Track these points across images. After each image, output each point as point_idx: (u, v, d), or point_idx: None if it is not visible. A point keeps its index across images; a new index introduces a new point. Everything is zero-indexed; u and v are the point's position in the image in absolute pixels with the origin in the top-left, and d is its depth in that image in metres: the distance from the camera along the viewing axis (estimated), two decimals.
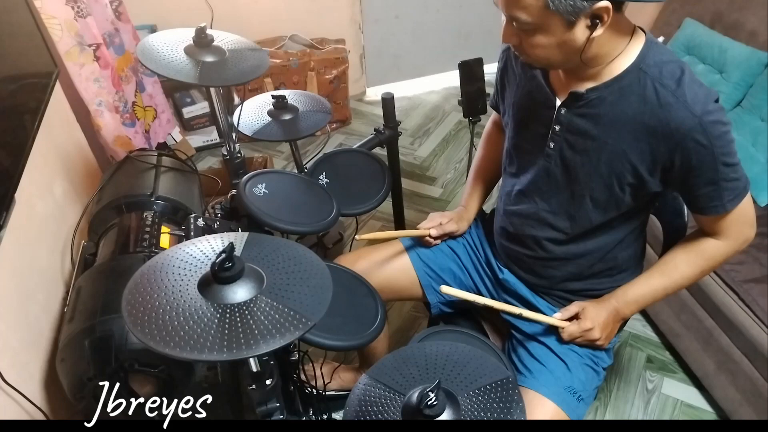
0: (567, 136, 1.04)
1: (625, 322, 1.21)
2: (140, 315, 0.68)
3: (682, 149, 0.93)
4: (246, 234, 0.82)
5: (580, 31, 0.87)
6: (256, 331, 0.67)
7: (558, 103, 1.03)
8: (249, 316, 0.69)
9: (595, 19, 0.85)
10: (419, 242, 1.36)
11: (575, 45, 0.88)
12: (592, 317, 1.13)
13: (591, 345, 1.15)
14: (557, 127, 1.04)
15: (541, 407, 1.09)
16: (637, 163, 0.99)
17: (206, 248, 0.79)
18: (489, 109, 1.40)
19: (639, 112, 0.95)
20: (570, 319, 1.16)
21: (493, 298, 1.31)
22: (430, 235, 1.31)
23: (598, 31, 0.86)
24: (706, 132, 0.91)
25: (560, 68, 1.00)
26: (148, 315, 0.68)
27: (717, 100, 0.93)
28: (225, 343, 0.66)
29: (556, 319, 1.16)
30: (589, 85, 0.98)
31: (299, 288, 0.74)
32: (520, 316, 1.16)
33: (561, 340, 1.16)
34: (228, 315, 0.69)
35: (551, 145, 1.06)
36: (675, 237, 1.21)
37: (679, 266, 1.10)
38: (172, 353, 0.64)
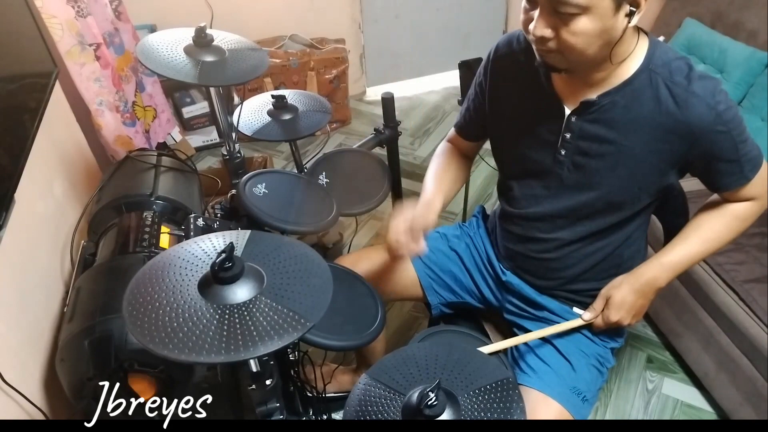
0: (579, 143, 1.03)
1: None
2: (140, 317, 0.68)
3: (704, 141, 0.96)
4: (248, 232, 0.82)
5: (621, 19, 0.86)
6: (254, 333, 0.67)
7: (567, 111, 1.03)
8: (248, 317, 0.69)
9: (633, 6, 0.86)
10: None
11: (614, 34, 0.88)
12: (618, 306, 1.10)
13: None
14: (568, 135, 1.04)
15: (546, 407, 1.09)
16: (658, 161, 1.00)
17: (208, 247, 0.79)
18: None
19: (655, 113, 0.96)
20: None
21: (495, 298, 1.31)
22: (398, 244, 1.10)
23: (634, 20, 0.87)
24: (723, 120, 0.94)
25: (588, 67, 0.95)
26: (148, 316, 0.68)
27: (721, 85, 0.95)
28: (224, 344, 0.65)
29: (583, 320, 1.15)
30: (599, 91, 0.98)
31: (299, 288, 0.74)
32: (551, 336, 1.16)
33: (568, 340, 1.16)
34: (227, 316, 0.68)
35: (562, 152, 1.06)
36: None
37: (714, 230, 1.09)
38: (170, 356, 0.64)
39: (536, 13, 0.88)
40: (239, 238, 0.80)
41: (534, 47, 0.94)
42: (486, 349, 1.08)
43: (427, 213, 1.13)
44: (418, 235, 1.11)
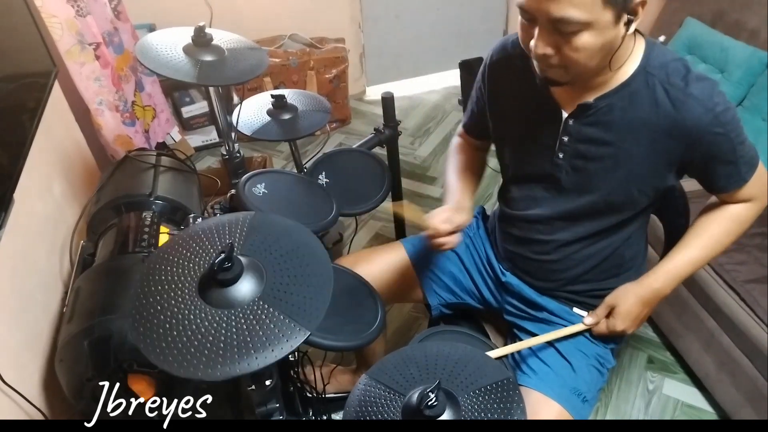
0: (577, 146, 1.03)
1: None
2: (146, 325, 0.69)
3: (702, 143, 0.95)
4: (251, 213, 0.82)
5: (620, 29, 0.86)
6: (258, 342, 0.67)
7: (565, 115, 1.02)
8: (246, 325, 0.69)
9: (631, 14, 0.85)
10: (420, 244, 1.36)
11: (614, 45, 0.88)
12: (624, 317, 1.11)
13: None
14: (565, 138, 1.04)
15: (546, 408, 1.08)
16: (656, 163, 1.00)
17: (209, 238, 0.79)
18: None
19: (653, 115, 0.95)
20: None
21: (495, 299, 1.31)
22: (440, 232, 1.12)
23: (632, 28, 0.87)
24: (720, 122, 0.93)
25: (588, 77, 0.95)
26: (151, 324, 0.69)
27: (718, 86, 0.95)
28: (229, 356, 0.66)
29: (585, 325, 1.16)
30: (596, 94, 0.98)
31: (299, 288, 0.74)
32: (553, 341, 1.16)
33: (568, 340, 1.16)
34: (226, 322, 0.69)
35: (560, 155, 1.05)
36: (676, 237, 1.20)
37: (715, 235, 1.09)
38: (170, 370, 0.65)
39: (536, 30, 0.87)
40: (240, 221, 0.80)
41: (535, 63, 0.93)
42: (490, 355, 1.08)
43: (460, 212, 1.16)
44: (456, 231, 1.13)
